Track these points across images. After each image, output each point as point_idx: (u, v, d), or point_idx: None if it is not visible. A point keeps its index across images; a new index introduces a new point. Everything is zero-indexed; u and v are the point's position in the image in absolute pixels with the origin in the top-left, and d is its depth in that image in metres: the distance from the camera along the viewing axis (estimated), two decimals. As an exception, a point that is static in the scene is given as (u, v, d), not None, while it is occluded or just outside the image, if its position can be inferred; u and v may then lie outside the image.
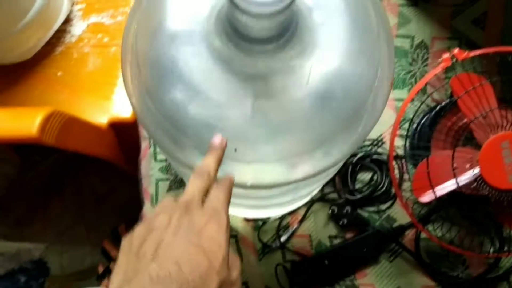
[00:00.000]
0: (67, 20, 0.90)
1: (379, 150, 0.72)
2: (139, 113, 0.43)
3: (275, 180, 0.43)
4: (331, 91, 0.40)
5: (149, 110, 0.41)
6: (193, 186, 0.38)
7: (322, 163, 0.43)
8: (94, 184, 1.24)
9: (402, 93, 0.74)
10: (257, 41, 0.38)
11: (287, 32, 0.38)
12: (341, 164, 0.57)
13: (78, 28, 0.90)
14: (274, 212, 0.69)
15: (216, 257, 0.34)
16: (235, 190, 0.41)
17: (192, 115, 0.39)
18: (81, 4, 0.91)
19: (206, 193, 0.38)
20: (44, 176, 1.27)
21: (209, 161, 0.39)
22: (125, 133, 0.82)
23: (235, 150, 0.40)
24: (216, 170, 0.38)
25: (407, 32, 0.75)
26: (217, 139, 0.39)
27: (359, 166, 0.71)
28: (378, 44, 0.44)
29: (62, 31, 0.89)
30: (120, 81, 0.85)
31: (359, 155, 0.70)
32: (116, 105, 0.84)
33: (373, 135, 0.72)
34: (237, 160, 0.41)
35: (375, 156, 0.70)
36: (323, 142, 0.41)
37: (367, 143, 0.72)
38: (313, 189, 0.65)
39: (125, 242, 0.36)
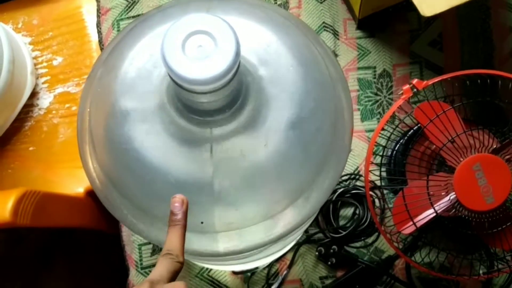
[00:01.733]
0: (34, 94, 0.89)
1: (357, 183, 0.71)
2: (101, 195, 0.42)
3: (253, 242, 0.42)
4: (293, 146, 0.40)
5: (110, 192, 0.41)
6: (162, 266, 0.37)
7: (304, 210, 0.43)
8: (85, 251, 1.22)
9: (372, 124, 0.74)
10: (209, 113, 0.38)
11: (238, 98, 0.38)
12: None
13: (45, 100, 0.90)
14: (261, 262, 0.68)
15: None
16: (210, 258, 0.41)
17: (153, 194, 0.39)
18: (46, 76, 0.91)
19: (175, 273, 0.37)
20: (33, 249, 1.24)
21: (172, 240, 0.38)
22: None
23: (202, 223, 0.40)
24: (182, 246, 0.38)
25: (368, 63, 0.76)
26: (177, 204, 0.38)
27: (339, 202, 0.70)
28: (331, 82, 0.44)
29: (29, 106, 0.89)
30: (92, 148, 0.85)
31: (338, 191, 0.70)
32: (91, 173, 0.83)
33: (349, 168, 0.72)
34: (206, 232, 0.40)
35: (354, 191, 0.70)
36: (298, 193, 0.41)
37: (345, 177, 0.72)
38: (298, 236, 0.64)
39: None
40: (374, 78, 0.75)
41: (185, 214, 0.38)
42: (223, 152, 0.39)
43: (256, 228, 0.41)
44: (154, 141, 0.39)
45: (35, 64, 0.91)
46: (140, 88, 0.40)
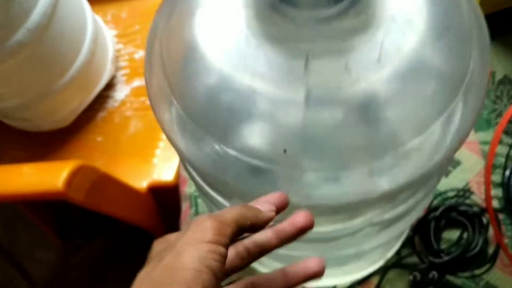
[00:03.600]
0: (111, 86, 0.86)
1: (467, 201, 0.58)
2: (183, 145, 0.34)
3: (348, 195, 0.31)
4: (412, 70, 0.30)
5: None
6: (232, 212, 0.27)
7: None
8: (139, 269, 1.14)
9: (488, 136, 0.62)
10: (312, 4, 0.29)
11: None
12: (424, 203, 0.45)
13: (121, 93, 0.85)
14: (339, 279, 0.56)
15: None
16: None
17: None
18: (125, 69, 0.87)
19: (242, 227, 0.27)
20: (88, 262, 1.18)
21: (268, 200, 0.29)
22: (164, 198, 0.73)
23: (285, 151, 0.30)
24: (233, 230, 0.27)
25: (486, 67, 0.65)
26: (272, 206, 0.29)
27: (443, 221, 0.57)
28: (470, 38, 0.34)
29: (105, 97, 0.85)
30: (161, 144, 0.78)
31: (442, 208, 0.57)
32: (156, 169, 0.76)
33: (457, 184, 0.60)
34: (288, 167, 0.30)
35: (463, 208, 0.57)
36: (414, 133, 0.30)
37: (451, 193, 0.59)
38: (387, 246, 0.52)
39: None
40: (493, 84, 0.64)
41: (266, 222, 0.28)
42: (321, 65, 0.29)
43: (354, 177, 0.30)
44: (233, 39, 0.30)
45: (117, 57, 0.87)
46: None
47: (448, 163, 0.44)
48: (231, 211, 0.27)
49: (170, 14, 0.37)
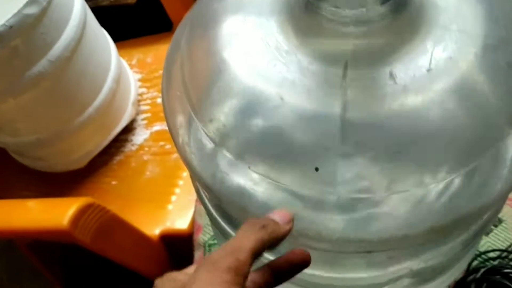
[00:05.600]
0: (130, 129, 0.83)
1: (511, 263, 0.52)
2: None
3: (389, 228, 0.26)
4: (467, 84, 0.26)
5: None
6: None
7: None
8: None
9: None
10: (354, 3, 0.25)
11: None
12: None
13: (140, 137, 0.83)
14: None
15: None
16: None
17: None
18: (146, 113, 0.85)
19: (260, 253, 0.24)
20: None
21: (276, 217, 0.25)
22: (176, 247, 0.68)
23: (317, 169, 0.25)
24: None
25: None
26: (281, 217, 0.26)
27: (485, 285, 0.51)
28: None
29: (123, 140, 0.82)
30: (178, 190, 0.74)
31: (483, 269, 0.51)
32: (171, 216, 0.71)
33: (500, 244, 0.54)
34: (320, 189, 0.26)
35: (507, 270, 0.51)
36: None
37: (493, 254, 0.53)
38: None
39: None
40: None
41: (279, 238, 0.25)
42: (362, 73, 0.26)
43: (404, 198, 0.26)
44: (261, 48, 0.27)
45: (138, 101, 0.85)
46: None
47: (497, 213, 0.38)
48: (248, 239, 0.24)
49: (192, 28, 0.34)
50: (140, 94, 0.86)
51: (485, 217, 0.33)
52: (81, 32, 0.65)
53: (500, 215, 0.55)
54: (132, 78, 0.84)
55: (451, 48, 0.26)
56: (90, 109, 0.72)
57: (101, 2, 0.93)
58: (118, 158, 0.81)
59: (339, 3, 0.26)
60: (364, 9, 0.26)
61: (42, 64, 0.61)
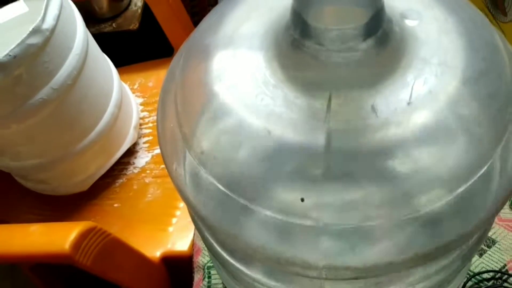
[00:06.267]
0: (132, 152, 0.85)
1: (505, 285, 0.53)
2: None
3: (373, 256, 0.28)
4: (447, 116, 0.27)
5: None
6: None
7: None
8: None
9: (527, 213, 0.57)
10: (337, 40, 0.27)
11: (377, 28, 0.27)
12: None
13: (142, 159, 0.84)
14: None
15: None
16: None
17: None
18: (148, 137, 0.86)
19: None
20: None
21: None
22: (177, 269, 0.69)
23: (302, 200, 0.27)
24: None
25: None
26: None
27: (480, 306, 0.52)
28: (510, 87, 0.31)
29: (125, 163, 0.84)
30: (178, 213, 0.75)
31: (478, 291, 0.52)
32: (171, 238, 0.72)
33: (494, 265, 0.54)
34: (306, 218, 0.27)
35: (502, 291, 0.51)
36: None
37: (487, 275, 0.54)
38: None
39: None
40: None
41: None
42: (345, 106, 0.27)
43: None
44: (251, 81, 0.28)
45: (140, 124, 0.87)
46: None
47: (485, 235, 0.39)
48: None
49: (186, 59, 0.35)
50: (142, 118, 0.88)
51: (471, 242, 0.34)
52: (83, 60, 0.67)
53: (493, 236, 0.56)
54: (134, 102, 0.86)
55: (431, 82, 0.28)
56: (92, 134, 0.73)
57: (104, 29, 0.95)
58: (120, 180, 0.83)
59: (322, 41, 0.27)
60: (346, 46, 0.27)
61: (44, 92, 0.62)
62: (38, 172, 0.74)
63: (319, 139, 0.27)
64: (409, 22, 0.30)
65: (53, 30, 0.61)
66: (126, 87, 0.87)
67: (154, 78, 0.92)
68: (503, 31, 0.59)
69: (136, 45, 0.98)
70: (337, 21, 0.26)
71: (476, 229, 0.30)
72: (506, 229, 0.57)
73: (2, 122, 0.63)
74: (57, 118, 0.68)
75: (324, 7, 0.26)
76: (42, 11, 0.60)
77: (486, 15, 0.63)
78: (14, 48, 0.57)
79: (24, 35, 0.58)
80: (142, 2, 1.02)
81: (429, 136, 0.27)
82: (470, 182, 0.28)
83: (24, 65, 0.59)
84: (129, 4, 1.03)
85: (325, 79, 0.28)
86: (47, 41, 0.61)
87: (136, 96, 0.91)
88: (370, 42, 0.27)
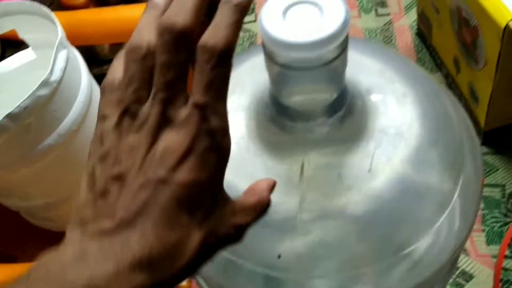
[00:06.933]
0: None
1: (481, 317, 0.57)
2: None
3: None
4: (403, 180, 0.32)
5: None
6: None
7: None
8: None
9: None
10: (307, 117, 0.32)
11: (341, 105, 0.32)
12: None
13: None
14: None
15: None
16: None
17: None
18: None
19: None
20: None
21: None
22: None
23: (279, 256, 0.31)
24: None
25: (496, 180, 0.66)
26: None
27: (456, 337, 0.56)
28: (461, 148, 0.36)
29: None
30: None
31: (455, 323, 0.56)
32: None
33: (470, 298, 0.59)
34: (280, 271, 0.31)
35: (476, 324, 0.55)
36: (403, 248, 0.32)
37: (464, 308, 0.58)
38: None
39: None
40: (503, 197, 0.65)
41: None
42: (317, 171, 0.32)
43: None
44: (236, 148, 0.33)
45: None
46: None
47: (450, 275, 0.44)
48: None
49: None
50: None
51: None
52: (87, 106, 0.72)
53: (471, 271, 0.60)
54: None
55: (388, 150, 0.32)
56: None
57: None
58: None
59: (294, 118, 0.32)
60: (315, 123, 0.32)
61: (52, 138, 0.67)
62: (45, 211, 0.78)
63: (294, 203, 0.31)
64: (374, 97, 0.35)
65: (60, 81, 0.66)
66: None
67: (154, 117, 0.97)
68: (475, 77, 0.64)
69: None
70: (306, 104, 0.31)
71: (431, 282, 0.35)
72: (483, 264, 0.61)
73: (12, 166, 0.67)
74: (63, 160, 0.72)
75: (294, 93, 0.31)
76: (50, 64, 0.65)
77: (461, 62, 0.68)
78: (25, 100, 0.62)
79: (34, 87, 0.63)
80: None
81: (385, 198, 0.32)
82: (420, 240, 0.32)
83: (34, 114, 0.63)
84: (130, 45, 1.08)
85: (299, 150, 0.33)
86: (54, 91, 0.65)
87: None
88: (335, 118, 0.32)
